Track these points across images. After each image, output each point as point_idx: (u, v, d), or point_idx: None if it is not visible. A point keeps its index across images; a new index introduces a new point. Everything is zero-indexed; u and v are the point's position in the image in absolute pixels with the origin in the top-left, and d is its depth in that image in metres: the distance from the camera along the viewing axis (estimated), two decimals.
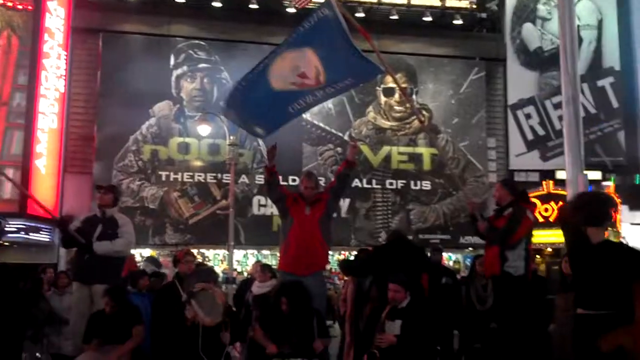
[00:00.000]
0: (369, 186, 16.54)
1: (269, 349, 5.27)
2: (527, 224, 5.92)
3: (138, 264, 10.37)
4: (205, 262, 14.92)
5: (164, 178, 15.54)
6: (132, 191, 15.20)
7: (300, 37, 6.07)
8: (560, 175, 15.02)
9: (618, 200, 15.87)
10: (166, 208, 15.41)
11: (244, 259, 15.91)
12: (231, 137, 13.37)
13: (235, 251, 14.10)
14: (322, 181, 16.10)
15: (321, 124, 16.39)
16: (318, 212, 5.99)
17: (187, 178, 15.64)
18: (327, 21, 5.97)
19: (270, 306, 5.55)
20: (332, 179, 6.37)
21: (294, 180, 13.25)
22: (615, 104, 17.77)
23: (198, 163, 15.78)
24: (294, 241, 5.89)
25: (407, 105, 16.40)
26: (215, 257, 15.77)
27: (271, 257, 15.85)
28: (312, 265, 5.90)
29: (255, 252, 16.03)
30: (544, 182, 15.91)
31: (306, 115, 16.30)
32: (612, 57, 18.04)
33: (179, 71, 16.07)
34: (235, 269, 14.01)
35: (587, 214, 3.91)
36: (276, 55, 6.16)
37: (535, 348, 5.84)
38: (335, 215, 7.06)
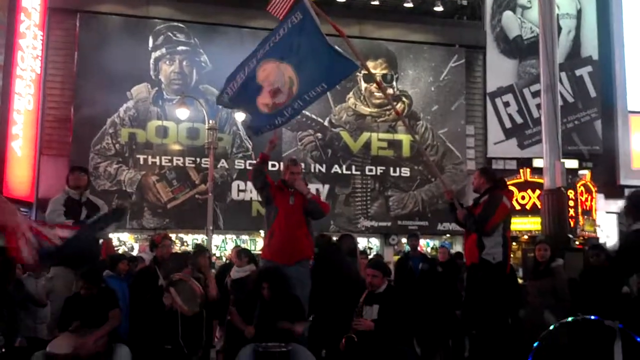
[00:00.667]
0: (349, 172, 16.57)
1: (247, 331, 5.29)
2: (503, 210, 5.93)
3: (116, 248, 10.34)
4: (186, 248, 14.92)
5: (141, 162, 15.40)
6: (110, 175, 15.06)
7: (275, 47, 6.08)
8: (538, 163, 15.21)
9: (593, 189, 16.14)
10: (144, 192, 15.29)
11: (223, 244, 15.90)
12: (210, 121, 13.28)
13: (214, 236, 14.10)
14: (302, 166, 16.18)
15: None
16: (302, 202, 5.98)
17: (166, 162, 15.53)
18: (302, 26, 5.98)
19: (250, 291, 5.56)
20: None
21: (273, 165, 13.22)
22: (592, 93, 17.97)
23: (176, 147, 15.65)
24: (278, 230, 5.89)
25: (388, 91, 16.43)
26: (193, 242, 15.72)
27: (250, 242, 15.87)
28: (296, 254, 5.90)
29: (234, 237, 16.02)
30: (521, 170, 16.07)
31: None
32: (590, 47, 18.21)
33: (157, 53, 15.88)
34: (214, 254, 13.98)
35: None
36: (258, 65, 6.18)
37: (507, 333, 5.92)
38: None
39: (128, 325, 5.91)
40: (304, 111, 16.37)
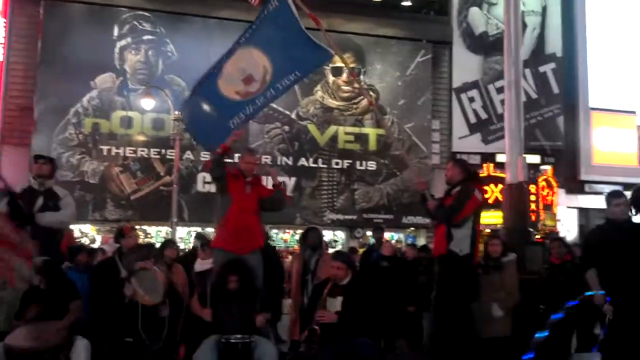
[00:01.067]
0: (315, 165, 16.59)
1: (204, 314, 5.28)
2: (474, 202, 5.92)
3: (77, 239, 10.16)
4: (150, 240, 14.76)
5: (105, 152, 15.17)
6: (72, 165, 14.80)
7: (251, 35, 6.08)
8: (501, 158, 15.39)
9: (555, 184, 16.46)
10: (107, 183, 15.07)
11: (187, 236, 15.75)
12: (176, 112, 13.15)
13: (179, 228, 13.96)
14: (268, 159, 16.18)
15: None
16: (257, 192, 5.99)
17: (130, 153, 15.32)
18: (277, 14, 5.98)
19: (215, 283, 5.52)
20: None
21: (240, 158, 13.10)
22: (556, 89, 18.29)
23: (141, 138, 15.45)
24: (232, 219, 5.86)
25: (355, 85, 16.47)
26: (157, 234, 15.57)
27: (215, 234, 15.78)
28: (250, 242, 5.90)
29: (200, 229, 15.84)
30: (484, 165, 16.26)
31: None
32: (554, 44, 18.52)
33: (122, 42, 15.63)
34: (178, 246, 13.84)
35: None
36: (230, 54, 6.14)
37: (463, 324, 6.01)
38: None
39: (87, 318, 5.83)
40: (271, 104, 16.43)
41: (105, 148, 15.17)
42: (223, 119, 6.21)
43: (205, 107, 6.24)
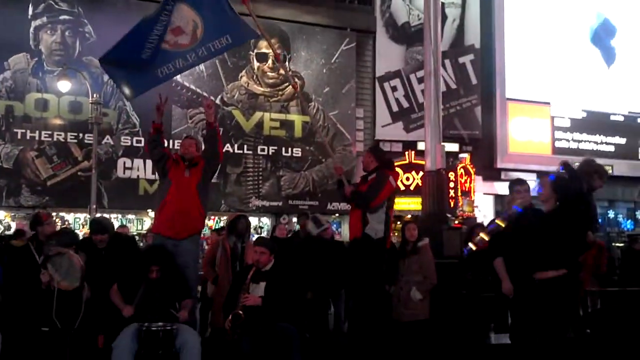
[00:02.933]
0: (240, 151, 16.48)
1: (125, 311, 5.20)
2: (388, 189, 6.23)
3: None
4: (68, 226, 14.28)
5: (19, 136, 14.51)
6: None
7: None
8: (422, 146, 15.82)
9: (472, 171, 17.06)
10: (22, 168, 14.43)
11: None
12: (94, 95, 12.74)
13: (98, 215, 13.57)
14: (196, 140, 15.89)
15: (192, 86, 16.01)
16: (196, 175, 5.96)
17: (46, 137, 14.71)
18: None
19: (135, 271, 5.44)
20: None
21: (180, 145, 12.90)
22: (474, 80, 18.87)
23: (58, 121, 14.86)
24: (171, 203, 5.82)
25: (281, 71, 16.45)
26: (76, 221, 15.08)
27: (137, 222, 15.47)
28: (188, 228, 5.87)
29: (120, 216, 15.50)
30: (406, 152, 16.67)
31: (177, 77, 15.86)
32: (473, 36, 19.08)
33: (37, 22, 14.93)
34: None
35: None
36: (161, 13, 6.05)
37: (378, 306, 6.20)
38: None
39: None
40: (194, 87, 16.21)
41: (19, 131, 14.51)
42: (151, 66, 6.08)
43: (131, 56, 6.04)
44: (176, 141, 14.50)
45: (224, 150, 16.00)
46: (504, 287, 5.12)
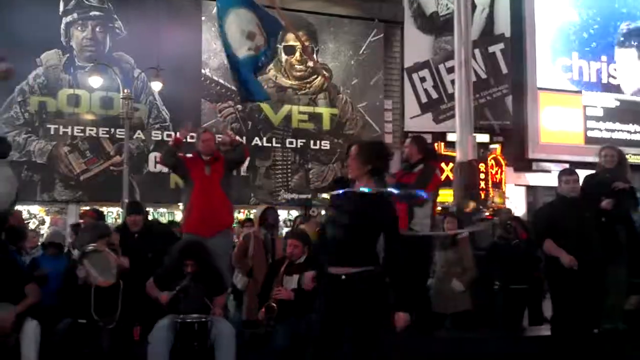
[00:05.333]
0: (269, 145, 16.53)
1: (161, 298, 5.25)
2: (436, 182, 6.12)
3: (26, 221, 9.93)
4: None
5: (52, 132, 14.76)
6: (19, 145, 14.32)
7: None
8: (452, 137, 15.66)
9: (503, 162, 16.84)
10: (55, 163, 14.69)
11: None
12: (125, 91, 12.89)
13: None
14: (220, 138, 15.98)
15: (221, 80, 16.09)
16: (218, 171, 5.98)
17: (78, 132, 14.93)
18: None
19: (171, 266, 5.47)
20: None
21: (192, 137, 12.95)
22: (504, 69, 18.61)
23: (89, 117, 15.07)
24: (196, 203, 5.87)
25: (309, 63, 16.43)
26: (108, 215, 15.28)
27: (168, 215, 15.62)
28: (216, 225, 5.91)
29: (152, 210, 15.66)
30: (435, 144, 16.51)
31: (205, 71, 15.97)
32: (503, 25, 18.80)
33: (68, 18, 15.15)
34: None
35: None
36: (223, 23, 6.41)
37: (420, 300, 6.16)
38: (234, 173, 7.12)
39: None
40: (223, 82, 16.30)
41: (52, 127, 14.76)
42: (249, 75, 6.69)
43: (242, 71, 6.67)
44: None
45: (252, 144, 16.21)
46: (564, 260, 5.15)
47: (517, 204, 17.48)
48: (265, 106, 16.40)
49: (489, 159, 16.33)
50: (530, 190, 18.47)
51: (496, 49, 18.58)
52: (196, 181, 5.92)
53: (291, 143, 16.74)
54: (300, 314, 5.28)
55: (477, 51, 17.39)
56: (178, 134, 6.24)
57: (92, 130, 15.02)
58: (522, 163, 18.55)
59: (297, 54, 16.71)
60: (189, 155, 6.27)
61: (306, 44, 16.74)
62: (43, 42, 14.71)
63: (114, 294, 5.21)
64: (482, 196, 14.83)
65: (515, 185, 18.19)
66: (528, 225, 7.87)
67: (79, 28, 15.22)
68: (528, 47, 19.08)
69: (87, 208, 14.46)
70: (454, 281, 6.66)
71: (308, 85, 16.91)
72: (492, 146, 17.30)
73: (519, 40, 18.97)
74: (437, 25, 18.12)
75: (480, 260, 7.27)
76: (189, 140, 6.71)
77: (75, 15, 15.20)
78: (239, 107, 16.15)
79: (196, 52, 15.79)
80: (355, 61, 17.42)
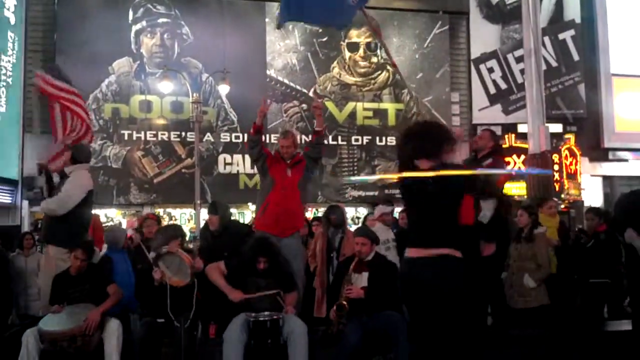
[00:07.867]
0: (335, 142, 16.56)
1: (233, 296, 5.32)
2: (505, 175, 6.05)
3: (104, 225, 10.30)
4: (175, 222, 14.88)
5: (126, 137, 15.30)
6: (95, 151, 14.91)
7: None
8: (522, 128, 15.26)
9: (578, 152, 16.26)
10: (130, 167, 15.22)
11: None
12: (194, 95, 13.16)
13: (202, 210, 14.04)
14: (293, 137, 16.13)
15: (285, 80, 16.26)
16: (298, 173, 6.01)
17: (150, 137, 15.43)
18: None
19: (243, 262, 5.56)
20: (305, 147, 6.44)
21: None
22: (576, 57, 17.97)
23: (161, 121, 15.54)
24: (273, 202, 5.91)
25: (373, 59, 16.33)
26: (182, 216, 15.72)
27: (239, 215, 15.90)
28: (290, 227, 5.95)
29: None
30: (506, 136, 16.12)
31: (270, 72, 16.16)
32: (573, 10, 18.15)
33: (138, 26, 15.66)
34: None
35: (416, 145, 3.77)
36: None
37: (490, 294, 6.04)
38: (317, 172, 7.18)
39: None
40: (287, 82, 16.42)
41: (126, 133, 15.29)
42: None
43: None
44: (272, 135, 14.82)
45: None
46: None
47: (593, 195, 16.84)
48: (329, 104, 16.45)
49: (562, 149, 15.84)
50: (607, 180, 17.76)
51: (566, 35, 17.95)
52: (277, 181, 5.96)
53: (357, 140, 16.71)
54: (370, 312, 5.27)
55: (546, 39, 16.85)
56: (257, 119, 6.18)
57: (163, 134, 15.47)
58: (598, 153, 17.84)
59: (361, 51, 16.65)
60: (273, 152, 6.33)
61: (368, 40, 16.70)
62: (114, 51, 15.26)
63: (188, 293, 5.34)
64: (557, 188, 14.39)
65: (591, 175, 17.53)
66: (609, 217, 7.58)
67: (148, 35, 15.70)
68: (600, 32, 18.32)
69: (160, 210, 15.01)
70: (526, 277, 6.49)
71: (372, 82, 16.83)
72: (565, 136, 16.75)
73: (590, 25, 18.25)
74: (503, 14, 17.68)
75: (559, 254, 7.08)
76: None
77: (144, 23, 15.69)
78: (304, 106, 16.26)
79: (261, 54, 16.01)
80: (420, 55, 17.21)
